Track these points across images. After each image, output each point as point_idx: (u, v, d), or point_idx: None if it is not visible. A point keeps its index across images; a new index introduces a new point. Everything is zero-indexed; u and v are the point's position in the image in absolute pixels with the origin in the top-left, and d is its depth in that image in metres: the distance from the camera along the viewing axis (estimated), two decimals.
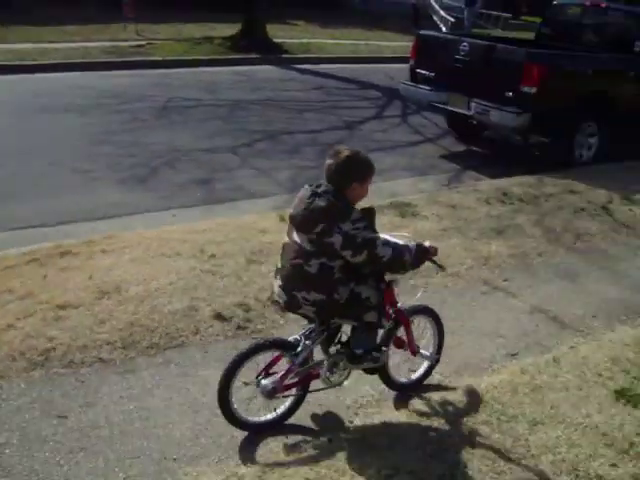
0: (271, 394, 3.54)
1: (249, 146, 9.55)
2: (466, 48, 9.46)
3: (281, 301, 3.59)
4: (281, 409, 3.73)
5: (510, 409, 3.91)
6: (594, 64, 9.79)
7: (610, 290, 5.78)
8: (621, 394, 4.14)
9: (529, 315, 5.21)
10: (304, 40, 20.13)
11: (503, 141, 10.88)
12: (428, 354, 4.13)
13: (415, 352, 4.02)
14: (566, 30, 11.44)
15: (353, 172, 3.41)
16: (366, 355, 3.70)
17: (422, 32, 10.77)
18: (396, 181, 8.41)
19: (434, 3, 29.00)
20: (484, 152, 10.51)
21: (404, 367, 4.14)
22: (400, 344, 3.93)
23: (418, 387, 4.14)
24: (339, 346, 3.76)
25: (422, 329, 4.15)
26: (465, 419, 3.80)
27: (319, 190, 3.38)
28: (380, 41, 22.00)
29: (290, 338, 3.65)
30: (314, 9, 27.04)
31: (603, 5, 11.75)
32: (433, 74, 9.95)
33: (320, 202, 3.32)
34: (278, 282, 3.56)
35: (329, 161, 3.41)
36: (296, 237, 3.45)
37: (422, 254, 3.54)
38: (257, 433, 3.65)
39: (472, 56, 9.40)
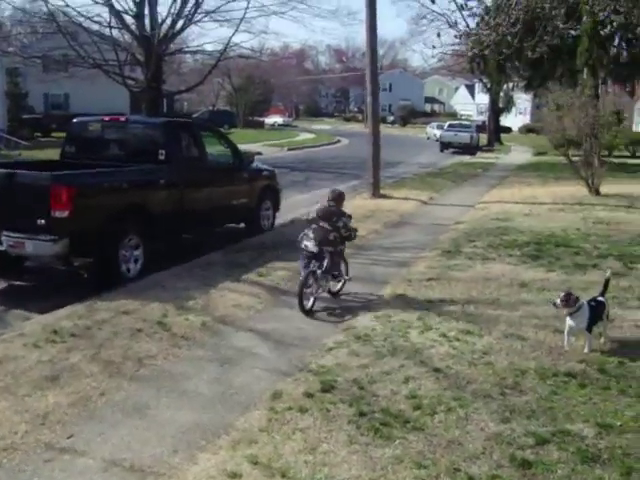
0: (313, 294, 8.08)
1: None
2: None
3: (315, 250, 8.05)
4: (310, 302, 8.08)
5: None
6: (124, 177, 9.77)
7: (183, 415, 5.43)
8: None
9: (104, 473, 4.56)
10: None
11: (48, 269, 10.17)
12: (348, 276, 8.81)
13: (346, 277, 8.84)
14: (91, 146, 11.33)
15: (342, 198, 8.57)
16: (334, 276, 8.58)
17: None
18: None
19: None
20: (30, 285, 9.71)
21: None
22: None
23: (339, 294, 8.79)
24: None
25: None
26: None
27: (330, 204, 8.36)
28: None
29: (312, 269, 8.03)
30: None
31: (122, 119, 11.94)
32: None
33: (333, 209, 8.32)
34: (313, 243, 8.06)
35: (330, 195, 8.50)
36: (322, 224, 8.16)
37: (355, 233, 8.82)
38: (307, 314, 7.98)
39: None
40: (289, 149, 40.84)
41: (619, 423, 5.15)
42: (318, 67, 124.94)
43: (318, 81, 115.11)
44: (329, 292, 8.59)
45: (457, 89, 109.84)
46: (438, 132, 56.56)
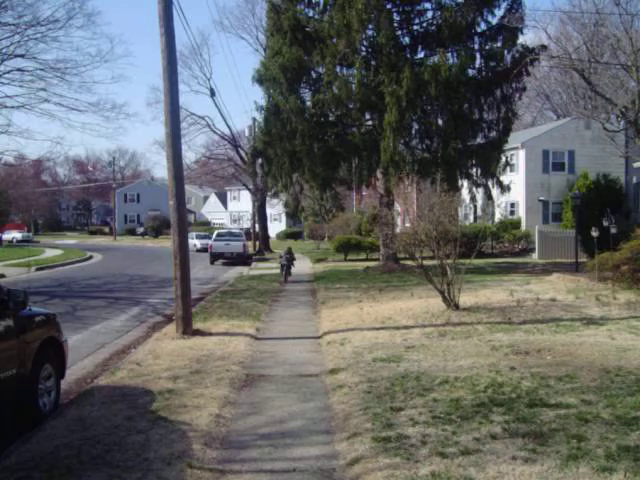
0: (286, 280, 27.14)
1: None
2: None
3: (286, 263, 27.22)
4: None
5: None
6: None
7: None
8: None
9: None
10: None
11: None
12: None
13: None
14: None
15: (292, 251, 28.72)
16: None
17: None
18: None
19: None
20: None
21: None
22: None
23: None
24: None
25: None
26: None
27: (287, 252, 27.70)
28: None
29: (285, 270, 27.33)
30: None
31: None
32: None
33: (288, 250, 28.08)
34: (284, 261, 27.14)
35: (286, 250, 28.06)
36: (287, 256, 27.41)
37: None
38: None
39: None
40: (38, 269, 34.24)
41: None
42: (57, 179, 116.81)
43: (57, 193, 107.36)
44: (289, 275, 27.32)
45: (207, 198, 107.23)
46: (199, 242, 53.53)
